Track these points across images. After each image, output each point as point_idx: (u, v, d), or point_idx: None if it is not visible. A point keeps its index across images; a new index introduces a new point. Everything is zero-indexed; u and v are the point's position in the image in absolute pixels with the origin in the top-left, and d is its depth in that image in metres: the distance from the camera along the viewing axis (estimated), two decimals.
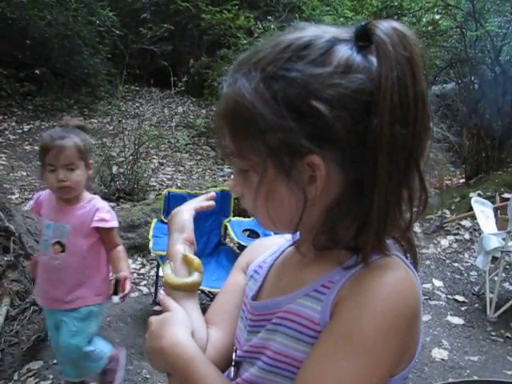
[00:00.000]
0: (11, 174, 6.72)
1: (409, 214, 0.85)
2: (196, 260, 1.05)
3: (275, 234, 1.05)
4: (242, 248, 4.10)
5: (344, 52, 0.81)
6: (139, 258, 4.90)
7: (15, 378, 3.18)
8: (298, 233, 0.98)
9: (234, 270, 1.13)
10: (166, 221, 4.09)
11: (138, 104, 10.49)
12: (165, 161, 7.56)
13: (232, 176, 0.94)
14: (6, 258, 3.63)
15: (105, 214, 2.63)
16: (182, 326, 0.94)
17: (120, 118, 7.14)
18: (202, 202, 1.14)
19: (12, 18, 9.43)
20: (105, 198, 5.87)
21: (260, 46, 0.86)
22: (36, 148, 7.93)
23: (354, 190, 0.83)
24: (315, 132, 0.79)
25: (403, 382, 0.88)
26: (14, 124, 8.99)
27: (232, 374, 0.98)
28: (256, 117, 0.81)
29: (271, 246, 1.08)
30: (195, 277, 1.03)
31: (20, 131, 8.71)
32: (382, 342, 0.79)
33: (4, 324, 3.35)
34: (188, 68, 9.06)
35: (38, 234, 4.01)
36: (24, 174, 6.89)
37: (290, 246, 1.03)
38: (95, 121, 9.56)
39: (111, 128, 7.80)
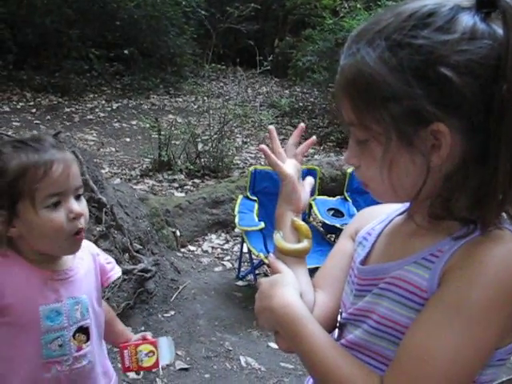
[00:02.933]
0: (101, 150, 6.98)
1: None
2: (305, 226, 1.08)
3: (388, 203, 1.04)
4: (326, 227, 4.09)
5: (468, 19, 0.80)
6: (223, 234, 4.99)
7: None
8: (409, 202, 0.98)
9: (342, 236, 1.15)
10: (251, 197, 4.13)
11: (221, 84, 10.61)
12: (248, 140, 7.61)
13: (348, 148, 0.93)
14: (98, 229, 3.78)
15: (107, 256, 1.69)
16: (292, 287, 0.97)
17: (205, 97, 7.24)
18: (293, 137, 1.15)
19: (103, 1, 9.75)
20: (190, 174, 6.06)
21: (379, 16, 0.86)
22: (124, 125, 8.21)
23: (476, 159, 0.82)
24: (442, 99, 0.79)
25: (509, 355, 0.86)
26: (103, 102, 9.32)
27: (336, 335, 1.00)
28: (381, 85, 0.81)
29: (380, 215, 1.08)
30: (305, 243, 1.07)
31: (109, 109, 9.01)
32: (490, 314, 0.79)
33: None
34: (272, 48, 9.05)
35: (128, 207, 4.17)
36: (113, 149, 7.13)
37: (399, 215, 1.03)
38: (180, 100, 9.77)
39: (196, 107, 7.92)
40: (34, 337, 1.39)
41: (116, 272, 1.64)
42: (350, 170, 4.43)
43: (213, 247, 4.76)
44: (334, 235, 4.21)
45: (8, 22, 9.38)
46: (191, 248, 4.71)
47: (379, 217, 1.08)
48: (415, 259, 0.88)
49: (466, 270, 0.80)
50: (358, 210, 4.33)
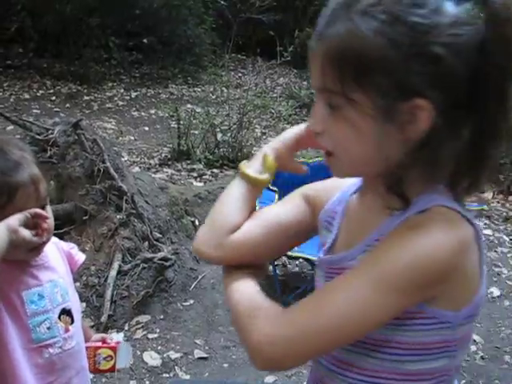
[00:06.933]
0: (120, 138, 6.99)
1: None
2: (271, 162, 1.08)
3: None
4: None
5: (452, 7, 0.85)
6: None
7: (126, 328, 3.36)
8: (362, 183, 1.02)
9: (298, 194, 1.15)
10: (272, 188, 4.11)
11: (240, 74, 10.58)
12: (267, 131, 7.59)
13: (313, 114, 0.94)
14: (118, 217, 3.80)
15: (68, 242, 1.76)
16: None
17: (223, 88, 7.23)
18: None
19: None
20: (209, 164, 6.06)
21: None
22: (143, 114, 8.22)
23: (445, 137, 0.86)
24: (433, 76, 0.83)
25: (466, 320, 0.89)
26: (122, 91, 9.33)
27: None
28: (375, 56, 0.83)
29: (340, 187, 1.10)
30: (264, 175, 1.08)
31: (128, 98, 9.03)
32: (387, 283, 0.82)
33: (116, 278, 3.52)
34: (292, 39, 8.97)
35: (148, 195, 4.18)
36: (132, 138, 7.15)
37: (352, 194, 1.05)
38: (199, 89, 9.75)
39: (214, 97, 7.92)
40: (21, 322, 1.41)
41: (81, 256, 1.69)
42: None
43: None
44: None
45: (29, 10, 9.42)
46: None
47: (339, 189, 1.09)
48: (364, 248, 0.92)
49: (385, 242, 0.86)
50: None
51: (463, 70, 0.83)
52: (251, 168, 1.09)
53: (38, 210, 1.37)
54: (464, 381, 3.07)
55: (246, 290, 0.99)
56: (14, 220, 1.31)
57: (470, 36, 0.84)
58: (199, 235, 1.09)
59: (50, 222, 1.44)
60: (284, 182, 4.12)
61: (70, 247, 1.70)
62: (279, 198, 4.05)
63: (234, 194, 1.09)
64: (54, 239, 1.63)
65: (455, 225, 0.85)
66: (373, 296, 0.82)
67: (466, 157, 0.88)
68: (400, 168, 0.88)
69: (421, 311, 0.86)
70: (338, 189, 1.09)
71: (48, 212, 1.44)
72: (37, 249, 1.44)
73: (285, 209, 1.12)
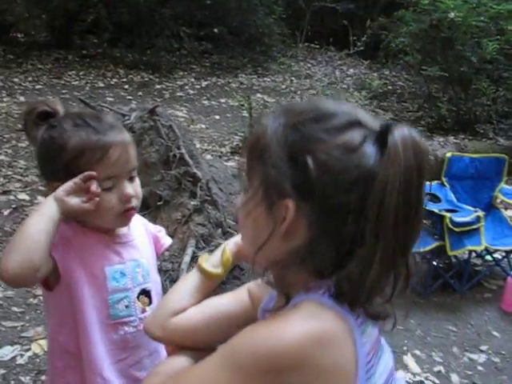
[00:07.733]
0: (191, 126, 7.06)
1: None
2: (228, 257, 1.18)
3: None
4: None
5: (358, 136, 0.88)
6: None
7: None
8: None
9: (244, 288, 1.23)
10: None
11: (309, 65, 10.50)
12: None
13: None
14: (192, 203, 3.82)
15: (156, 225, 1.75)
16: None
17: (292, 78, 7.20)
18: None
19: None
20: None
21: (302, 103, 1.00)
22: (213, 103, 8.28)
23: (310, 245, 0.89)
24: (299, 182, 0.88)
25: None
26: (192, 80, 9.46)
27: None
28: (267, 151, 0.91)
29: None
30: (219, 270, 1.18)
31: (198, 87, 9.13)
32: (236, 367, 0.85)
33: (190, 264, 3.54)
34: (362, 29, 8.82)
35: (222, 183, 4.19)
36: (203, 126, 7.22)
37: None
38: (268, 79, 9.74)
39: (284, 87, 7.89)
40: (102, 297, 1.43)
41: (167, 240, 1.71)
42: (448, 155, 4.27)
43: None
44: (430, 221, 4.07)
45: (104, 2, 9.67)
46: None
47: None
48: None
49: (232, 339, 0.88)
50: (455, 196, 4.21)
51: (331, 191, 0.86)
52: (209, 261, 1.20)
53: (87, 172, 1.35)
54: None
55: (167, 360, 1.10)
56: (60, 190, 1.33)
57: (357, 165, 0.86)
58: (150, 315, 1.22)
59: (138, 191, 1.46)
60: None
61: (158, 230, 1.70)
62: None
63: (187, 282, 1.20)
64: (144, 220, 1.65)
65: (317, 317, 0.86)
66: (220, 374, 0.85)
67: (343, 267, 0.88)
68: (280, 264, 0.92)
69: None
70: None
71: (136, 182, 1.45)
72: (124, 216, 1.44)
73: (229, 300, 1.21)
